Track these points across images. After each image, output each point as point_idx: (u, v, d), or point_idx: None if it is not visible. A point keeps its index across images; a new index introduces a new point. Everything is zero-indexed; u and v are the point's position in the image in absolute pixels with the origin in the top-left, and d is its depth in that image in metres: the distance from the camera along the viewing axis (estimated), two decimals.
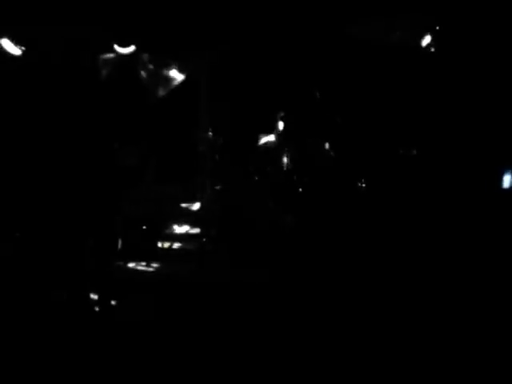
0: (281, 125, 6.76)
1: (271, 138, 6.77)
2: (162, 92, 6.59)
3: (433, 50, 6.30)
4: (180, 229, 6.54)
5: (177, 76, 6.62)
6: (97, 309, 4.43)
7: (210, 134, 6.67)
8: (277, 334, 4.17)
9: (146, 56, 6.48)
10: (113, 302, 4.57)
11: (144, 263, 5.88)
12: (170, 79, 6.61)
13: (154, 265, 5.88)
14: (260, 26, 6.40)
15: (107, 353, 3.82)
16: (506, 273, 5.07)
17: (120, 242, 5.75)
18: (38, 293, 4.24)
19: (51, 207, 4.74)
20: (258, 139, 6.76)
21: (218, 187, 6.69)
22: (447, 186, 6.06)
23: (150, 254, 5.99)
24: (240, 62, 6.60)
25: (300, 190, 6.56)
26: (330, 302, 4.75)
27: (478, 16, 6.05)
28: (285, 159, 6.63)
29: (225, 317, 4.48)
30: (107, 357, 3.77)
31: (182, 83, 6.60)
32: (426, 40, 6.28)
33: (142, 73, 6.49)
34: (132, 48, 6.35)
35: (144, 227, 6.24)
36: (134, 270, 5.69)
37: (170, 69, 6.61)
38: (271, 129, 6.76)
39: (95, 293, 4.51)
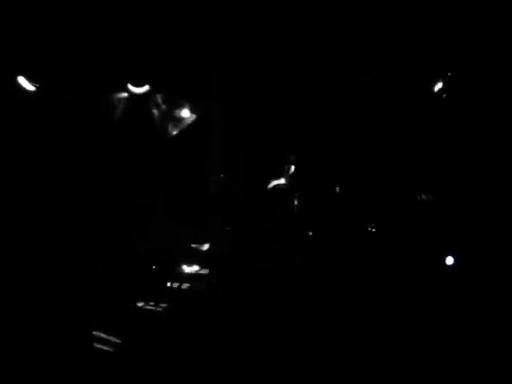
0: (292, 168, 6.75)
1: (282, 180, 6.75)
2: (173, 132, 6.62)
3: (444, 95, 6.36)
4: (189, 269, 6.47)
5: (189, 116, 6.64)
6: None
7: (222, 174, 6.66)
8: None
9: (159, 96, 6.52)
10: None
11: (152, 303, 5.80)
12: (182, 119, 6.64)
13: (163, 305, 5.79)
14: (274, 72, 6.47)
15: None
16: None
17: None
18: (50, 328, 4.17)
19: (64, 243, 4.72)
20: (269, 181, 6.74)
21: (228, 228, 6.64)
22: (460, 235, 6.04)
23: (159, 294, 5.92)
24: (254, 104, 6.64)
25: (310, 233, 6.52)
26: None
27: (490, 63, 6.13)
28: (296, 202, 6.60)
29: (232, 359, 4.40)
30: None
31: (194, 123, 6.63)
32: (438, 86, 6.35)
33: (155, 112, 6.52)
34: (146, 88, 6.40)
35: (153, 266, 6.18)
36: (142, 310, 5.60)
37: (183, 109, 6.64)
38: (283, 171, 6.75)
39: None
